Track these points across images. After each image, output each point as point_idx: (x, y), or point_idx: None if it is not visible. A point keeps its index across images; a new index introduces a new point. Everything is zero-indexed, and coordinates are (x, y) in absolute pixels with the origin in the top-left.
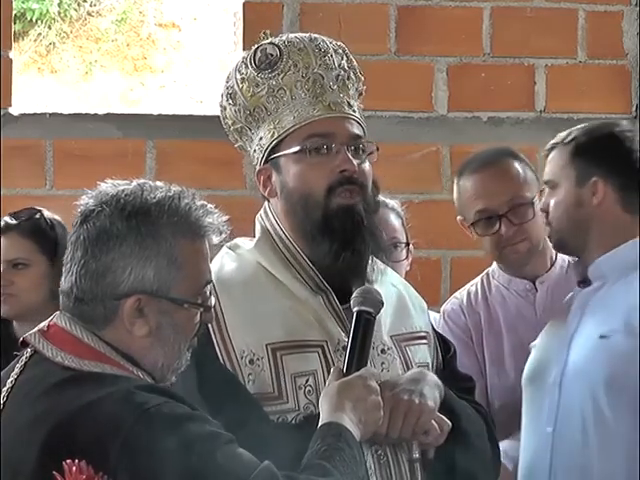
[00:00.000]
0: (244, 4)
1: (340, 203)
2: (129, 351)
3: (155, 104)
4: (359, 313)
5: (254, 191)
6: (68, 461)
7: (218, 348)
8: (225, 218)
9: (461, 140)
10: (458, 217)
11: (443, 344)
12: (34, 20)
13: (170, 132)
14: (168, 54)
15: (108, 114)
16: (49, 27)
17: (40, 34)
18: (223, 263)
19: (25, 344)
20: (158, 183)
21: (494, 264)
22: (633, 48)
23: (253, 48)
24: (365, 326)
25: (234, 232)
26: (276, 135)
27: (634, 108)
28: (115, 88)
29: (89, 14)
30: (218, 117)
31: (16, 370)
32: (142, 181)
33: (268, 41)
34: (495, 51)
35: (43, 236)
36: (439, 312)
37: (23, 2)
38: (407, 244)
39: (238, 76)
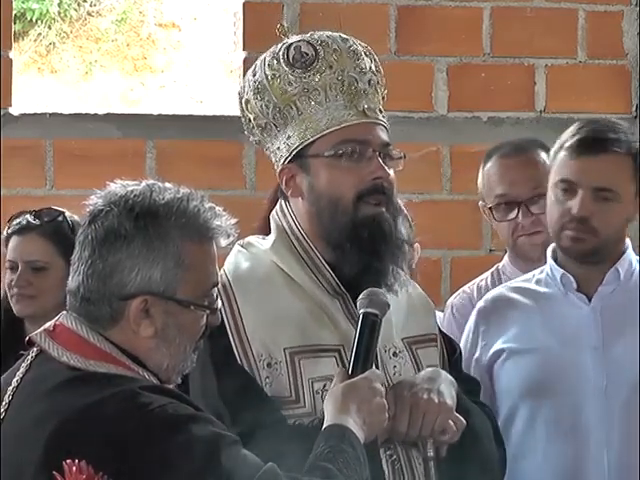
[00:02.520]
0: (244, 4)
1: (369, 212)
2: (135, 352)
3: (155, 104)
4: (365, 315)
5: (254, 191)
6: (68, 461)
7: (236, 349)
8: (233, 221)
9: (461, 140)
10: (480, 202)
11: (449, 345)
12: (34, 20)
13: (170, 132)
14: (168, 54)
15: (108, 114)
16: (49, 27)
17: (40, 34)
18: (238, 262)
19: (31, 343)
20: (167, 184)
21: (505, 259)
22: (633, 48)
23: (284, 44)
24: (371, 328)
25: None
26: (308, 136)
27: (634, 108)
28: (115, 88)
29: (89, 14)
30: (218, 117)
31: (22, 369)
32: (151, 182)
33: (300, 38)
34: (495, 51)
35: (64, 239)
36: (441, 311)
37: (23, 2)
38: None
39: (269, 72)
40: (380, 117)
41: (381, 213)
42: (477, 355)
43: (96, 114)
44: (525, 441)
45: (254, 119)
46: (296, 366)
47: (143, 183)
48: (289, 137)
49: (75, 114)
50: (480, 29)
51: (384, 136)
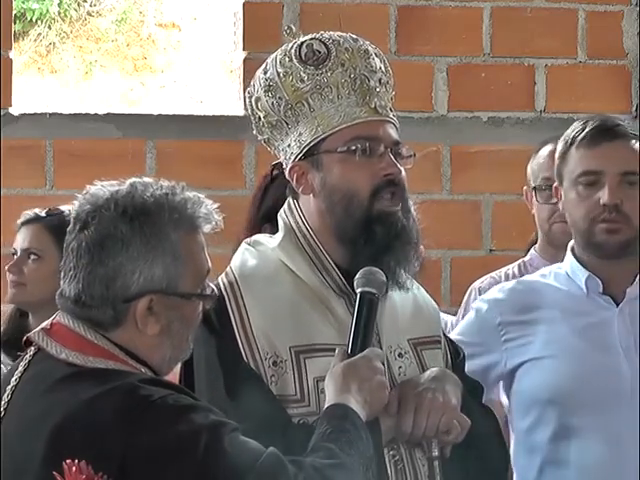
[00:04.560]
0: (244, 4)
1: (383, 207)
2: (136, 350)
3: (155, 104)
4: (362, 294)
5: (254, 191)
6: (68, 461)
7: (242, 347)
8: (215, 205)
9: (461, 140)
10: (525, 187)
11: (452, 348)
12: (34, 20)
13: (170, 132)
14: (168, 54)
15: (108, 114)
16: (49, 27)
17: (40, 34)
18: (244, 259)
19: (29, 343)
20: (146, 179)
21: (532, 253)
22: (633, 48)
23: (295, 42)
24: (369, 307)
25: (234, 232)
26: (320, 132)
27: (634, 108)
28: (115, 88)
29: (89, 14)
30: (218, 117)
31: (20, 368)
32: (132, 180)
33: (312, 37)
34: (495, 51)
35: (64, 233)
36: (442, 311)
37: (23, 2)
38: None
39: (280, 69)
40: (391, 115)
41: (395, 210)
42: (495, 349)
43: (96, 114)
44: (555, 450)
45: (264, 117)
46: (301, 365)
47: (125, 183)
48: (300, 134)
49: (75, 114)
50: (480, 29)
51: (394, 134)
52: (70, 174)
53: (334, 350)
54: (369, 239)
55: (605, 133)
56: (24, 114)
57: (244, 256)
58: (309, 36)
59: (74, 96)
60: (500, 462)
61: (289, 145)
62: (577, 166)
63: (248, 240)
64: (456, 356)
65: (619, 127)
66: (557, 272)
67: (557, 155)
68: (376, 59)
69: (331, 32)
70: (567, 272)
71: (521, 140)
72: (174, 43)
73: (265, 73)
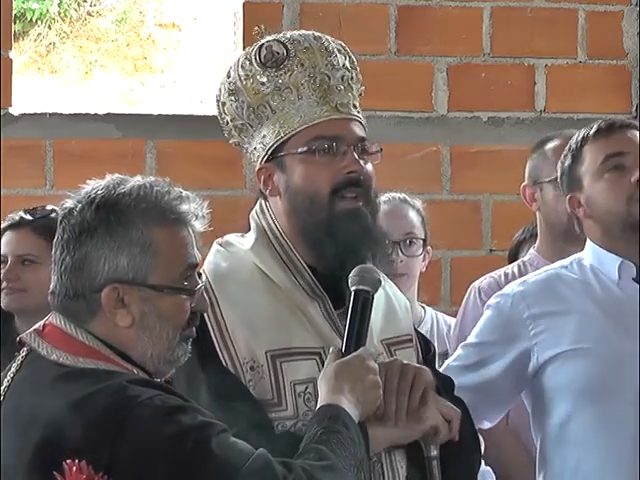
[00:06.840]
0: (244, 4)
1: (345, 206)
2: (118, 344)
3: (155, 104)
4: (357, 292)
5: (254, 191)
6: (68, 461)
7: (221, 352)
8: (205, 204)
9: (461, 140)
10: (524, 185)
11: (423, 344)
12: (34, 20)
13: (170, 132)
14: (168, 54)
15: (108, 114)
16: (49, 27)
17: (40, 34)
18: (217, 262)
19: (22, 344)
20: (137, 177)
21: (532, 253)
22: (633, 48)
23: (256, 45)
24: (363, 305)
25: (234, 232)
26: (282, 134)
27: (634, 108)
28: (115, 88)
29: (89, 14)
30: (218, 117)
31: (13, 369)
32: (117, 176)
33: (272, 38)
34: (495, 51)
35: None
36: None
37: (23, 2)
38: (424, 241)
39: (242, 72)
40: (354, 112)
41: (358, 207)
42: (523, 344)
43: (96, 114)
44: (593, 440)
45: (231, 121)
46: (278, 369)
47: (109, 178)
48: (264, 136)
49: (75, 114)
50: (480, 29)
51: (359, 131)
52: (70, 174)
53: (310, 353)
54: (332, 238)
55: (616, 125)
56: (24, 114)
57: (216, 258)
58: (270, 37)
59: (74, 96)
60: (475, 452)
61: (255, 148)
62: (598, 155)
63: (219, 240)
64: (427, 352)
65: (627, 121)
66: (581, 264)
67: (565, 162)
68: (339, 56)
69: (294, 32)
70: (591, 264)
71: (521, 140)
72: (174, 43)
73: (228, 77)
